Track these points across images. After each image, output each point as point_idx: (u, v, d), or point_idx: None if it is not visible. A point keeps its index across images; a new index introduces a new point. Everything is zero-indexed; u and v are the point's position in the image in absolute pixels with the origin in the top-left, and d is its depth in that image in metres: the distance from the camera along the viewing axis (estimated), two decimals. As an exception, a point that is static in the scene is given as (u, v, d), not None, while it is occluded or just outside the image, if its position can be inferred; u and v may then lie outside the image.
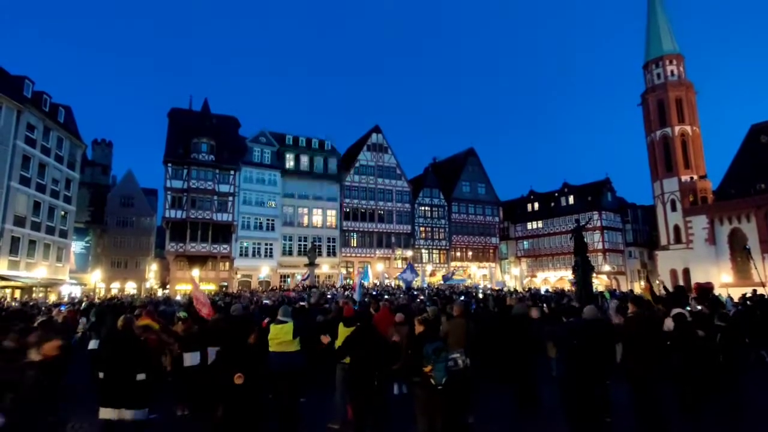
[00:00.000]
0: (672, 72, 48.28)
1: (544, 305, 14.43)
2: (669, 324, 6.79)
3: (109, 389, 5.15)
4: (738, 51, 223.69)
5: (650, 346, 5.72)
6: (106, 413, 5.11)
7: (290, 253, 41.74)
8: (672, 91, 47.21)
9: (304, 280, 30.62)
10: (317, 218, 43.81)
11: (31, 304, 18.46)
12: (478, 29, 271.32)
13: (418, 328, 5.58)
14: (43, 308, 15.68)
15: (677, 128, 46.60)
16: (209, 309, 9.30)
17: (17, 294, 27.96)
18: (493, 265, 51.61)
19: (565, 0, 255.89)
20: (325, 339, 7.00)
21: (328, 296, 19.32)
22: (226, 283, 38.02)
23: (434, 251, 49.55)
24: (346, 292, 21.51)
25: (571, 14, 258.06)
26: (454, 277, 33.06)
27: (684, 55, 49.01)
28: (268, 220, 41.24)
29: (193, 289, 10.19)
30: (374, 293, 20.96)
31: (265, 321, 7.62)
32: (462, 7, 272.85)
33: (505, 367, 7.39)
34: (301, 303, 13.41)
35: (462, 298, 17.08)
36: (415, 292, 21.65)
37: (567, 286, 36.04)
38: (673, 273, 44.25)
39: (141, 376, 5.33)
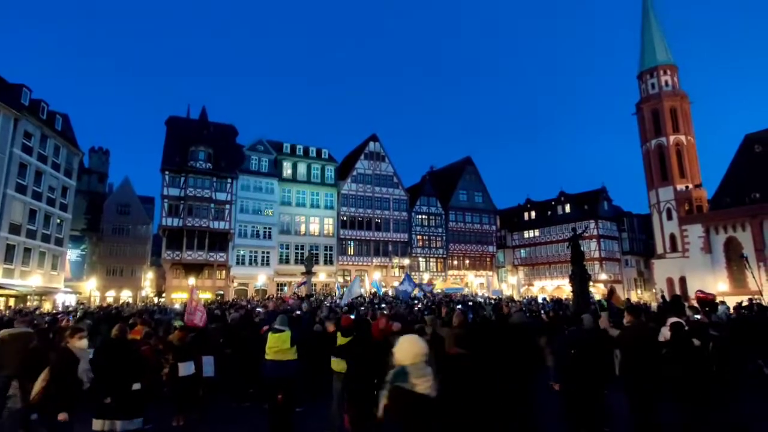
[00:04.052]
0: (666, 82, 48.82)
1: (542, 313, 14.45)
2: (665, 333, 6.79)
3: (103, 399, 5.11)
4: (732, 61, 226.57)
5: (648, 356, 5.73)
6: (98, 425, 5.06)
7: (287, 262, 41.62)
8: (666, 101, 47.70)
9: (299, 287, 30.49)
10: (314, 226, 43.77)
11: (25, 312, 18.23)
12: (475, 39, 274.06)
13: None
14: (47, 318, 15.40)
15: (672, 138, 47.01)
16: (198, 317, 9.17)
17: (11, 302, 27.71)
18: (490, 273, 51.58)
19: (561, 11, 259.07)
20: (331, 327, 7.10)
21: (326, 304, 19.23)
22: (222, 292, 37.84)
23: (431, 259, 49.53)
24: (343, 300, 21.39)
25: (567, 25, 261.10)
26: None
27: (678, 65, 49.66)
28: (265, 228, 41.17)
29: (189, 298, 10.12)
30: (374, 302, 20.88)
31: (264, 328, 7.60)
32: (460, 18, 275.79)
33: (503, 379, 7.32)
34: (298, 312, 13.34)
35: (459, 306, 17.02)
36: (414, 301, 21.58)
37: (564, 295, 36.02)
38: (670, 281, 44.37)
39: (136, 386, 5.30)
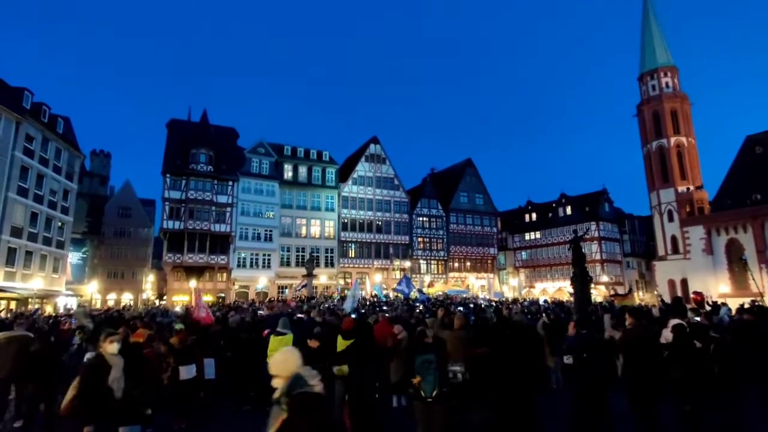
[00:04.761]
0: (667, 84, 48.79)
1: (544, 315, 14.40)
2: (667, 335, 6.79)
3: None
4: (732, 62, 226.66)
5: (650, 358, 5.73)
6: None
7: (288, 264, 41.62)
8: (667, 103, 47.65)
9: (299, 290, 30.47)
10: (315, 229, 43.78)
11: (25, 314, 18.21)
12: (476, 42, 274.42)
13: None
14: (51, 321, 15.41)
15: (673, 139, 46.95)
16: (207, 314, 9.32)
17: (13, 305, 27.72)
18: (491, 275, 51.52)
19: (562, 13, 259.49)
20: (314, 344, 6.96)
21: (326, 306, 19.22)
22: (223, 294, 37.82)
23: (432, 262, 49.48)
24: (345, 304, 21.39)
25: (568, 28, 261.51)
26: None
27: (678, 66, 49.60)
28: (266, 230, 41.18)
29: (193, 300, 10.21)
30: (375, 304, 20.86)
31: (266, 332, 7.60)
32: (460, 20, 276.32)
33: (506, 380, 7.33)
34: (299, 315, 13.33)
35: (460, 308, 16.99)
36: (416, 304, 21.54)
37: (565, 297, 35.94)
38: (671, 283, 44.25)
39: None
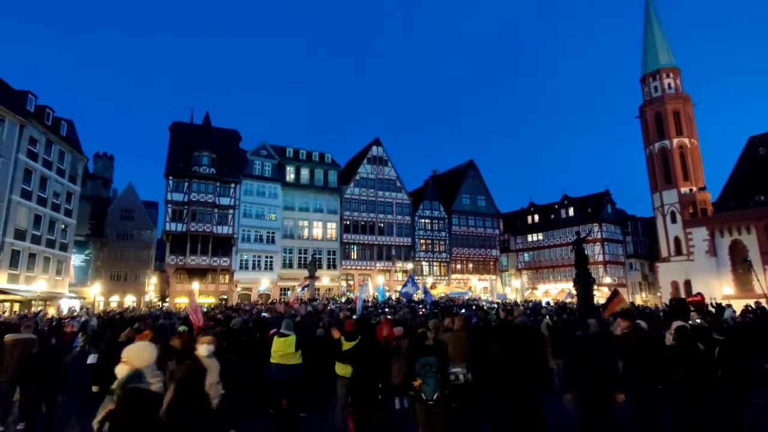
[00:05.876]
0: (669, 85, 48.73)
1: (547, 317, 14.35)
2: (669, 338, 6.76)
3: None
4: (735, 63, 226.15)
5: (648, 361, 5.71)
6: None
7: (290, 266, 41.65)
8: (669, 104, 47.59)
9: (303, 290, 30.44)
10: (317, 231, 43.81)
11: (30, 316, 18.26)
12: (478, 43, 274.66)
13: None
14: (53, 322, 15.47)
15: (675, 140, 46.87)
16: (199, 316, 9.35)
17: (16, 308, 27.82)
18: (493, 277, 51.42)
19: (564, 15, 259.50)
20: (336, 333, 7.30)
21: (329, 308, 19.21)
22: (225, 296, 37.88)
23: (435, 264, 49.43)
24: (349, 306, 21.38)
25: (570, 29, 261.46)
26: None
27: (681, 68, 49.57)
28: (268, 232, 41.23)
29: (189, 302, 10.22)
30: (377, 306, 20.84)
31: (271, 332, 7.61)
32: (462, 21, 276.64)
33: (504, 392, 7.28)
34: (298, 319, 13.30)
35: (462, 310, 16.94)
36: (418, 306, 21.51)
37: (568, 299, 35.75)
38: (674, 285, 44.11)
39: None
